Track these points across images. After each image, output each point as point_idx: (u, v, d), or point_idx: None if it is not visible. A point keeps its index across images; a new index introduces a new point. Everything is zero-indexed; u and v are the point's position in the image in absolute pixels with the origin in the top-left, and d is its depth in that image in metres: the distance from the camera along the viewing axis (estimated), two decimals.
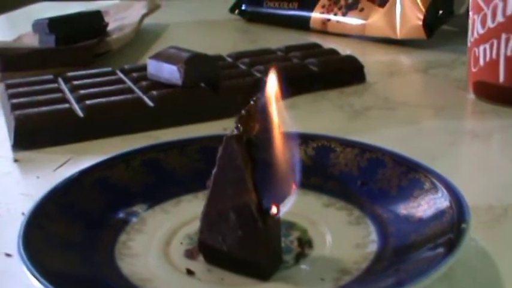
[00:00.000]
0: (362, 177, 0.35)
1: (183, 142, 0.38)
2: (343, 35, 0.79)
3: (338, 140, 0.37)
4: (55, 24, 0.70)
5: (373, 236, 0.31)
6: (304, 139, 0.38)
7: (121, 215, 0.33)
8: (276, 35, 0.83)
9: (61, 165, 0.44)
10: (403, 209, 0.32)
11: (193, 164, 0.37)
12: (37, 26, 0.73)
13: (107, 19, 0.79)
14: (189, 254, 0.30)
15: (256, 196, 0.27)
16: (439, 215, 0.30)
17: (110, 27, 0.78)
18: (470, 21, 0.55)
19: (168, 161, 0.37)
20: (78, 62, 0.65)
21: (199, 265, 0.30)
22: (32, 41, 0.75)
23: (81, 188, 0.34)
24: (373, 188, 0.34)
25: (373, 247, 0.30)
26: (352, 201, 0.34)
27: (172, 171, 0.37)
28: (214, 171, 0.28)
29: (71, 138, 0.48)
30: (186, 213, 0.34)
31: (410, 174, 0.34)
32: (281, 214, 0.28)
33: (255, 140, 0.27)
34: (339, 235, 0.32)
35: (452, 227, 0.28)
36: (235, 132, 0.27)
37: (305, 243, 0.31)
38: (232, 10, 0.96)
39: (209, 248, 0.29)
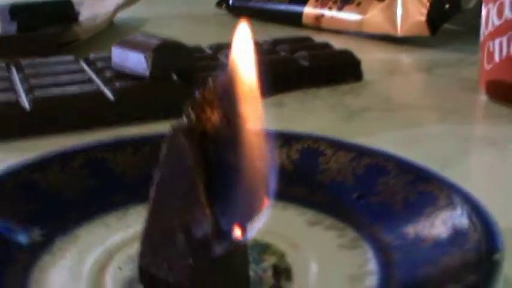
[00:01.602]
0: (358, 188, 0.28)
1: (138, 140, 0.31)
2: (338, 31, 0.72)
3: (329, 141, 0.30)
4: (17, 11, 0.64)
5: (372, 265, 0.24)
6: (287, 139, 0.30)
7: (46, 229, 0.26)
8: (265, 30, 0.75)
9: None
10: (411, 230, 0.25)
11: (149, 167, 0.29)
12: None
13: (80, 9, 0.72)
14: (126, 284, 0.23)
15: (212, 212, 0.20)
16: (460, 239, 0.23)
17: (82, 18, 0.71)
18: (483, 12, 0.47)
19: (117, 162, 0.30)
20: (40, 50, 0.57)
21: None
22: None
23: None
24: (372, 202, 0.27)
25: (371, 281, 0.23)
26: (345, 219, 0.27)
27: (120, 174, 0.29)
28: (156, 175, 0.20)
29: (15, 134, 0.40)
30: (133, 228, 0.26)
31: (419, 185, 0.26)
32: (246, 239, 0.21)
33: (212, 135, 0.20)
34: (326, 263, 0.24)
35: (479, 257, 0.21)
36: (185, 122, 0.19)
37: (282, 272, 0.23)
38: (219, 4, 0.89)
39: (152, 278, 0.22)
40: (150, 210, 0.21)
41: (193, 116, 0.19)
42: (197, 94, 0.20)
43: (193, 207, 0.19)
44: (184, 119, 0.20)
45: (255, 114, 0.21)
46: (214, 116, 0.20)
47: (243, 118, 0.20)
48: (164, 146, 0.20)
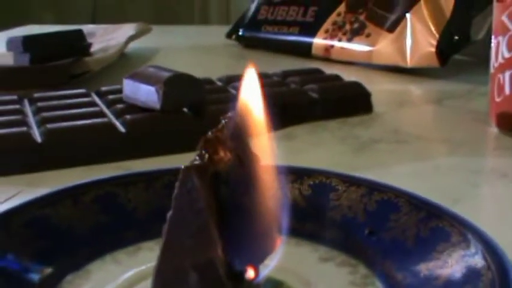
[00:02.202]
0: (370, 224, 0.28)
1: (150, 175, 0.31)
2: (348, 62, 0.72)
3: (340, 177, 0.30)
4: (30, 42, 0.64)
5: None
6: (298, 175, 0.30)
7: (57, 266, 0.26)
8: (275, 61, 0.76)
9: (8, 199, 0.37)
10: (424, 267, 0.24)
11: (161, 203, 0.29)
12: (11, 44, 0.66)
13: (92, 40, 0.73)
14: None
15: (224, 252, 0.19)
16: (473, 278, 0.22)
17: (94, 49, 0.71)
18: (493, 44, 0.48)
19: (129, 198, 0.30)
20: (52, 82, 0.58)
21: None
22: (8, 61, 0.69)
23: (6, 231, 0.26)
24: (384, 239, 0.27)
25: None
26: (357, 255, 0.27)
27: (132, 210, 0.29)
28: (169, 214, 0.20)
29: (26, 167, 0.41)
30: (144, 265, 0.26)
31: (431, 222, 0.26)
32: (260, 279, 0.21)
33: (224, 175, 0.20)
34: None
35: None
36: (198, 161, 0.19)
37: None
38: (229, 35, 0.89)
39: None
40: (162, 249, 0.21)
41: (206, 155, 0.19)
42: (210, 134, 0.20)
43: (206, 246, 0.19)
44: (197, 159, 0.20)
45: (267, 153, 0.21)
46: (226, 156, 0.20)
47: (255, 158, 0.20)
48: (177, 185, 0.20)
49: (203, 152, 0.19)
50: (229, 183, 0.19)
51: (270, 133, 0.21)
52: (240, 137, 0.20)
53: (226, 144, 0.20)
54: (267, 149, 0.21)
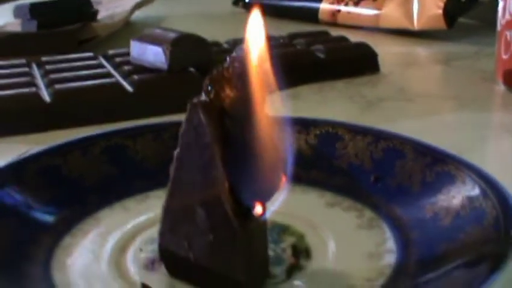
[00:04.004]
0: (376, 170, 0.28)
1: (158, 126, 0.31)
2: (355, 27, 0.72)
3: (346, 126, 0.30)
4: (37, 9, 0.64)
5: (390, 244, 0.24)
6: (305, 125, 0.31)
7: (68, 212, 0.26)
8: (282, 27, 0.75)
9: (18, 156, 0.37)
10: (429, 209, 0.25)
11: (169, 153, 0.30)
12: (18, 11, 0.66)
13: (99, 7, 0.73)
14: (149, 264, 0.23)
15: (231, 188, 0.20)
16: (478, 216, 0.23)
17: (100, 16, 0.71)
18: (500, 1, 0.47)
19: (137, 149, 0.30)
20: (60, 47, 0.58)
21: (160, 279, 0.22)
22: (16, 28, 0.69)
23: (20, 178, 0.27)
24: (389, 184, 0.27)
25: (390, 259, 0.23)
26: (363, 200, 0.27)
27: (140, 161, 0.30)
28: (176, 152, 0.21)
29: (36, 126, 0.41)
30: (153, 211, 0.27)
31: (437, 167, 0.26)
32: (267, 215, 0.21)
33: (230, 112, 0.20)
34: (345, 242, 0.24)
35: (498, 234, 0.21)
36: (204, 97, 0.20)
37: (301, 252, 0.24)
38: (235, 3, 0.89)
39: (172, 256, 0.22)
40: (170, 186, 0.21)
41: (212, 92, 0.20)
42: (216, 71, 0.20)
43: (212, 182, 0.20)
44: (203, 95, 0.20)
45: (271, 93, 0.21)
46: (232, 94, 0.20)
47: (261, 97, 0.20)
48: (183, 122, 0.20)
49: (209, 88, 0.20)
50: (235, 120, 0.20)
51: (274, 79, 0.22)
52: (246, 75, 0.20)
53: (232, 82, 0.20)
54: (274, 101, 0.21)
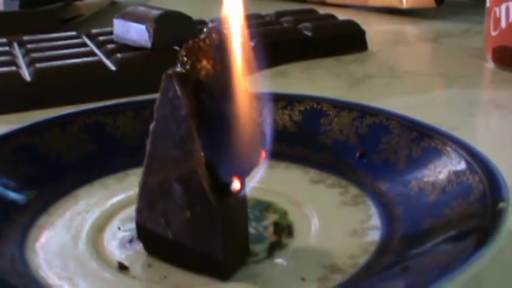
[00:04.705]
0: (361, 146, 0.27)
1: (138, 103, 0.31)
2: (343, 5, 0.71)
3: (331, 102, 0.30)
4: None
5: (375, 220, 0.23)
6: (288, 101, 0.30)
7: (45, 190, 0.25)
8: (269, 5, 0.75)
9: None
10: (415, 184, 0.24)
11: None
12: None
13: None
14: (126, 243, 0.22)
15: (208, 163, 0.19)
16: (465, 191, 0.22)
17: None
18: None
19: (117, 126, 0.29)
20: (42, 26, 0.57)
21: (137, 257, 0.22)
22: None
23: None
24: (375, 160, 0.26)
25: (374, 235, 0.23)
26: (347, 176, 0.26)
27: (120, 138, 0.29)
28: (152, 125, 0.20)
29: (16, 106, 0.40)
30: (133, 189, 0.26)
31: (423, 142, 0.26)
32: (246, 191, 0.20)
33: (207, 84, 0.19)
34: (329, 219, 0.24)
35: (484, 208, 0.20)
36: (179, 68, 0.19)
37: (283, 229, 0.23)
38: None
39: (150, 234, 0.21)
40: (147, 161, 0.21)
41: (188, 63, 0.19)
42: (192, 42, 0.19)
43: (189, 156, 0.19)
44: (179, 66, 0.19)
45: (249, 67, 0.20)
46: (209, 66, 0.19)
47: (238, 70, 0.20)
48: (159, 95, 0.20)
49: (185, 59, 0.19)
50: (211, 93, 0.19)
51: (252, 51, 0.21)
52: (224, 47, 0.19)
53: (208, 54, 0.19)
54: (249, 64, 0.20)
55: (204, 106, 0.19)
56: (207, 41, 0.19)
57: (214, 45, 0.19)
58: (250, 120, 0.19)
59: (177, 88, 0.19)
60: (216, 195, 0.19)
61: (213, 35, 0.19)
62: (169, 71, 0.19)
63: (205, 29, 0.19)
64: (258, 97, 0.22)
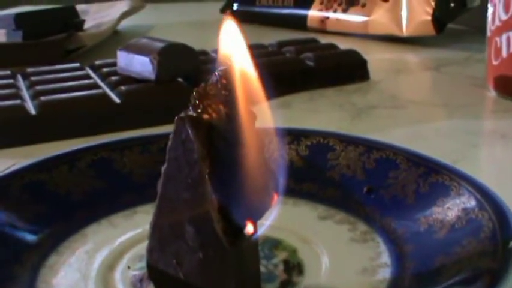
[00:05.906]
0: (368, 182, 0.27)
1: (145, 139, 0.31)
2: (343, 33, 0.71)
3: (338, 137, 0.30)
4: (22, 19, 0.63)
5: (385, 257, 0.23)
6: (295, 136, 0.30)
7: (54, 229, 0.25)
8: (270, 34, 0.75)
9: (4, 171, 0.36)
10: (424, 221, 0.24)
11: (157, 166, 0.29)
12: (3, 21, 0.65)
13: (85, 18, 0.72)
14: (137, 282, 0.22)
15: (221, 206, 0.19)
16: (475, 229, 0.22)
17: (87, 25, 0.71)
18: (490, 8, 0.47)
19: (124, 163, 0.29)
20: (46, 57, 0.57)
21: None
22: (0, 39, 0.68)
23: (4, 196, 0.26)
24: (383, 196, 0.27)
25: (384, 273, 0.23)
26: (355, 213, 0.26)
27: (127, 174, 0.29)
28: (163, 167, 0.20)
29: (21, 139, 0.40)
30: (141, 227, 0.26)
31: (431, 177, 0.26)
32: (258, 234, 0.20)
33: (219, 127, 0.19)
34: (338, 257, 0.24)
35: (495, 247, 0.20)
36: (191, 112, 0.19)
37: (293, 267, 0.23)
38: (223, 11, 0.88)
39: (161, 274, 0.21)
40: (158, 203, 0.21)
41: (200, 106, 0.19)
42: (204, 86, 0.19)
43: (201, 199, 0.19)
44: (191, 109, 0.19)
45: (263, 116, 0.20)
46: (220, 109, 0.19)
47: (250, 113, 0.20)
48: (171, 136, 0.20)
49: (197, 102, 0.19)
50: (224, 136, 0.19)
51: (262, 90, 0.21)
52: (234, 91, 0.19)
53: (220, 97, 0.19)
54: (263, 112, 0.21)
55: (217, 150, 0.19)
56: (218, 84, 0.19)
57: (224, 89, 0.19)
58: (262, 164, 0.20)
59: (190, 131, 0.19)
60: (228, 238, 0.19)
61: (223, 80, 0.20)
62: (182, 114, 0.19)
63: (216, 72, 0.20)
64: (269, 136, 0.22)
